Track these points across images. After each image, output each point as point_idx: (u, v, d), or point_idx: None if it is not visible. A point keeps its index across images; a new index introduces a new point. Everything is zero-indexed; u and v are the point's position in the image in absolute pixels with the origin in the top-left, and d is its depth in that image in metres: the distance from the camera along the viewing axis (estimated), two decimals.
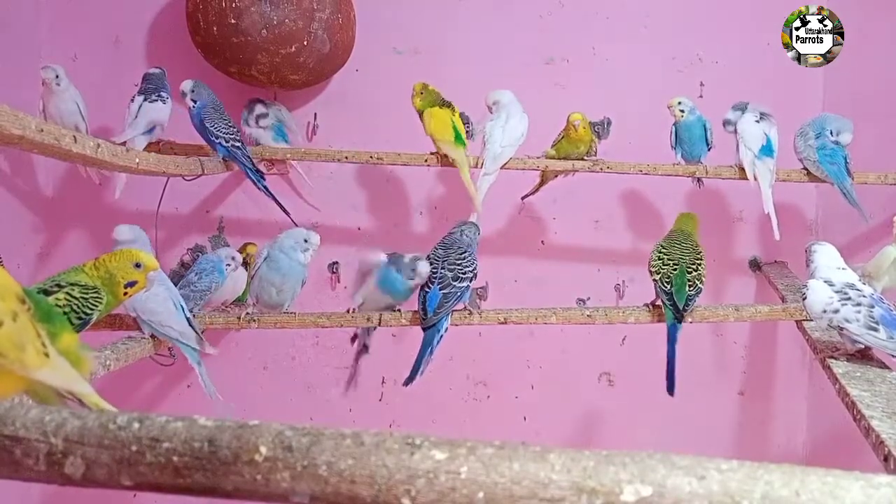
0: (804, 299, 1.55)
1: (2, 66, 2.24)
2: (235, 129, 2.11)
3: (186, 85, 2.09)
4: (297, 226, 2.10)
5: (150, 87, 2.13)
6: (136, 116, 2.10)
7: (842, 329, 1.48)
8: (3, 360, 0.75)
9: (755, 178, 2.15)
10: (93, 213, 2.48)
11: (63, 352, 0.87)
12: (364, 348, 2.01)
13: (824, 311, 1.50)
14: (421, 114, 2.15)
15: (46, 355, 0.81)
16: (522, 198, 2.44)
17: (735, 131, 2.18)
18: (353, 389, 2.01)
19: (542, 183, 2.36)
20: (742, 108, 2.20)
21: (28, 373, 0.78)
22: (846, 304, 1.47)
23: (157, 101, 2.12)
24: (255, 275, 1.85)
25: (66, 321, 1.25)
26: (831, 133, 2.12)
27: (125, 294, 1.40)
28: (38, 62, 2.32)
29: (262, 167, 2.27)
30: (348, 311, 1.89)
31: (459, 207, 2.55)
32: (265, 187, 2.13)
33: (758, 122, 2.16)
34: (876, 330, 1.44)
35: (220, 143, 2.05)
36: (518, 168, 2.20)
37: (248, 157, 2.10)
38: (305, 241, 1.84)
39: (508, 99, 2.19)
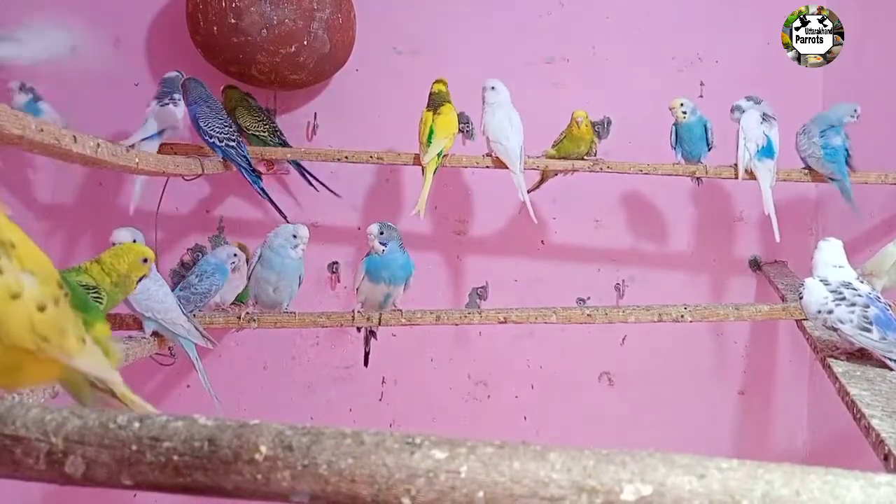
0: (801, 299, 1.55)
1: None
2: (231, 129, 2.10)
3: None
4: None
5: (165, 91, 2.16)
6: (147, 120, 2.12)
7: (836, 329, 1.48)
8: (47, 346, 0.73)
9: (747, 174, 2.15)
10: (93, 213, 2.48)
11: (95, 341, 0.85)
12: (371, 334, 2.05)
13: (819, 312, 1.49)
14: None
15: (83, 341, 0.79)
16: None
17: (739, 121, 2.18)
18: (353, 386, 2.01)
19: (542, 180, 2.36)
20: (756, 100, 2.20)
21: (68, 359, 0.77)
22: (840, 305, 1.46)
23: (168, 104, 2.14)
24: (251, 276, 1.86)
25: (100, 311, 1.26)
26: (837, 121, 2.12)
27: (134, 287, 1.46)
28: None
29: (261, 167, 2.26)
30: (353, 318, 1.88)
31: (460, 207, 2.56)
32: (261, 188, 2.13)
33: (761, 122, 2.16)
34: (869, 331, 1.42)
35: (213, 142, 2.05)
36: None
37: (245, 157, 2.10)
38: (294, 236, 1.84)
39: (502, 89, 2.19)
